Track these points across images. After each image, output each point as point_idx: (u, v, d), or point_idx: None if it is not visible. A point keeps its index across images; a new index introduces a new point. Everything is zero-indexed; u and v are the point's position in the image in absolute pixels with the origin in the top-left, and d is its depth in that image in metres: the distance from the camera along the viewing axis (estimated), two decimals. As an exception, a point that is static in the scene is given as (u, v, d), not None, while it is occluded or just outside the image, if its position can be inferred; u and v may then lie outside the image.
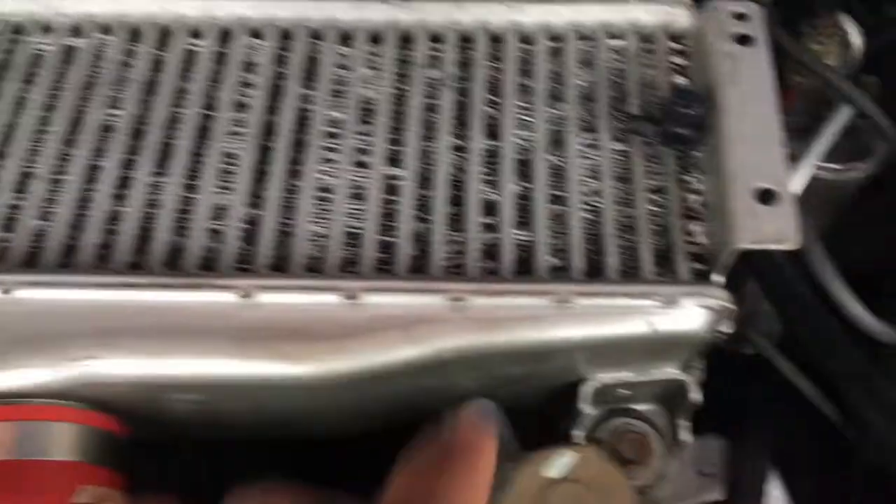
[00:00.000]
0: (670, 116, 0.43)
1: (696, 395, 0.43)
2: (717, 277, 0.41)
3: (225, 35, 0.53)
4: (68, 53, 0.53)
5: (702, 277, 0.42)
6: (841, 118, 0.57)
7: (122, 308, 0.42)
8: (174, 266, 0.44)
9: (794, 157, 0.61)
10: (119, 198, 0.47)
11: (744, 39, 0.45)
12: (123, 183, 0.48)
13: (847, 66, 0.62)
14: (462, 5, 0.51)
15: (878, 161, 0.61)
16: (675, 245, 0.43)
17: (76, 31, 0.54)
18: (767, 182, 0.40)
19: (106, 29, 0.54)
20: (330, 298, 0.41)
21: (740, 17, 0.46)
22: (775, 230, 0.39)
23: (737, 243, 0.39)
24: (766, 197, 0.40)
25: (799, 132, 0.64)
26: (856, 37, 0.61)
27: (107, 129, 0.50)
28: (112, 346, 0.41)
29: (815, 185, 0.62)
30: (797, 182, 0.55)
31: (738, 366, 0.67)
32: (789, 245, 0.38)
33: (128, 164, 0.48)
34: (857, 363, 0.43)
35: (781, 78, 0.63)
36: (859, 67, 0.62)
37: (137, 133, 0.49)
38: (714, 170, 0.43)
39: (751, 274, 0.49)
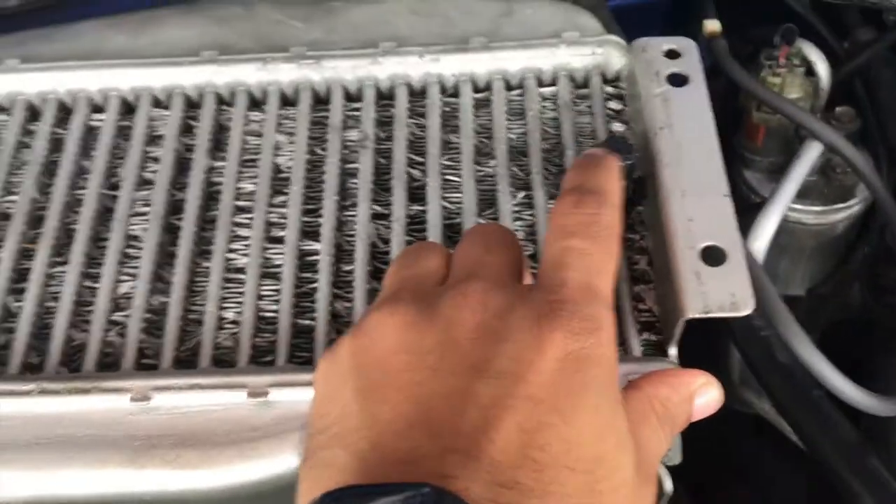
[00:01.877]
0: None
1: (668, 484, 0.39)
2: (673, 351, 0.37)
3: (127, 107, 0.49)
4: (-39, 137, 0.49)
5: (657, 349, 0.38)
6: (809, 155, 0.54)
7: (7, 419, 0.37)
8: (73, 365, 0.40)
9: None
10: (14, 292, 0.43)
11: (677, 79, 0.42)
12: (20, 276, 0.43)
13: (816, 97, 0.59)
14: (377, 60, 0.48)
15: (863, 201, 0.58)
16: (624, 314, 0.39)
17: (-31, 112, 0.50)
18: (714, 239, 0.36)
19: (2, 108, 0.50)
20: (235, 397, 0.36)
21: (672, 54, 0.43)
22: (727, 295, 0.35)
23: (684, 313, 0.35)
24: (713, 257, 0.36)
25: (771, 172, 0.61)
26: (822, 66, 0.58)
27: (3, 216, 0.46)
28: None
29: (797, 231, 0.59)
30: (767, 228, 0.52)
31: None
32: (744, 311, 0.34)
33: (25, 254, 0.44)
34: (845, 438, 0.39)
35: (747, 115, 0.61)
36: (829, 98, 0.59)
37: (36, 220, 0.45)
38: (656, 227, 0.39)
39: (731, 340, 0.45)
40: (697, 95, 0.41)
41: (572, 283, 0.30)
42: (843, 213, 0.57)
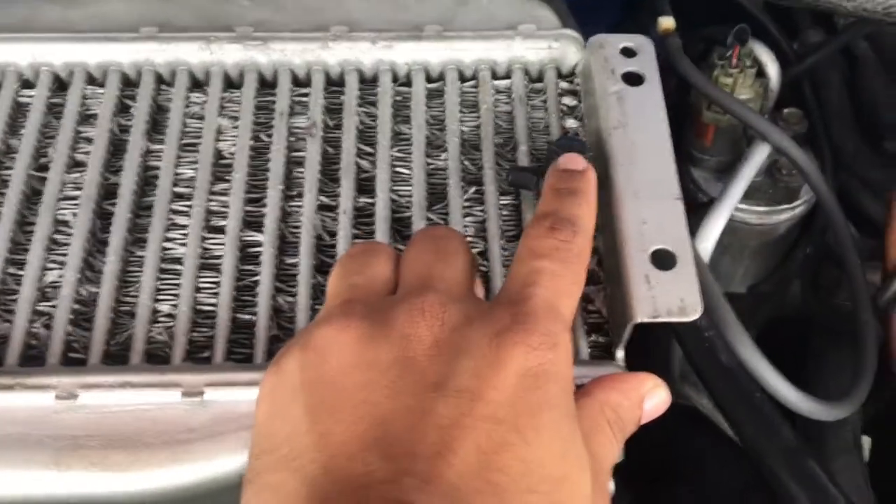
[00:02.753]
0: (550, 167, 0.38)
1: (611, 485, 0.38)
2: (620, 354, 0.36)
3: (59, 83, 0.47)
4: None
5: (604, 351, 0.38)
6: (757, 156, 0.55)
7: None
8: (-8, 358, 0.38)
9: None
10: (-72, 279, 0.40)
11: (632, 78, 0.41)
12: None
13: (765, 98, 0.59)
14: (327, 44, 0.46)
15: (807, 202, 0.58)
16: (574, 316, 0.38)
17: None
18: (665, 243, 0.36)
19: (-78, 79, 0.46)
20: (168, 396, 0.35)
21: (628, 52, 0.42)
22: (676, 300, 0.34)
23: (633, 318, 0.34)
24: (663, 261, 0.35)
25: (719, 172, 0.61)
26: (772, 67, 0.58)
27: (-82, 196, 0.42)
28: None
29: (740, 230, 0.60)
30: (714, 229, 0.52)
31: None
32: (692, 315, 0.34)
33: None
34: (785, 440, 0.39)
35: (697, 113, 0.61)
36: (778, 99, 0.60)
37: (-46, 200, 0.42)
38: (607, 227, 0.38)
39: (675, 338, 0.45)
40: (652, 95, 0.41)
41: (537, 299, 0.29)
42: (787, 213, 0.58)
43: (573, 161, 0.35)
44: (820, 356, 0.53)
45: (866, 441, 0.63)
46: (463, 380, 0.27)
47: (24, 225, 0.42)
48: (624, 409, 0.32)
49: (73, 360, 0.38)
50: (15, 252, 0.41)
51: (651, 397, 0.33)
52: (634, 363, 0.41)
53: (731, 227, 0.60)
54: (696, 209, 0.57)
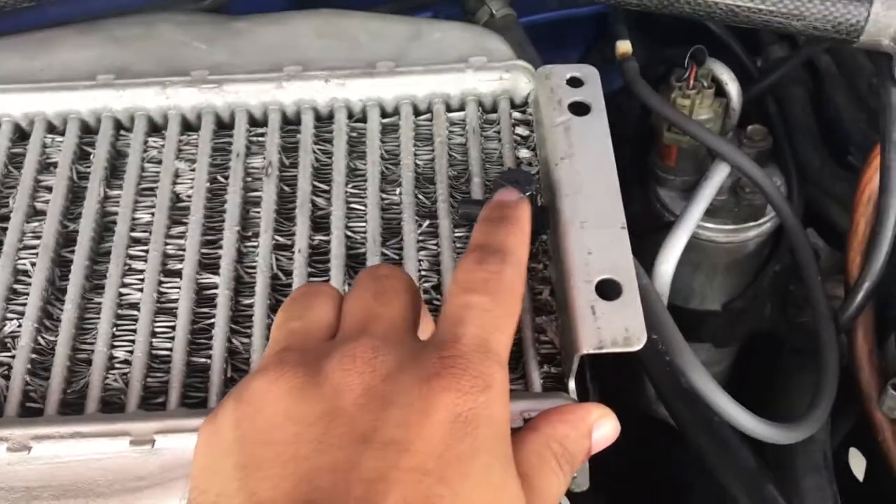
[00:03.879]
0: (499, 200, 0.38)
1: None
2: (572, 384, 0.36)
3: (20, 133, 0.47)
4: None
5: (557, 382, 0.38)
6: (716, 176, 0.55)
7: None
8: (-49, 411, 0.38)
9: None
10: None
11: (579, 108, 0.42)
12: None
13: (727, 116, 0.59)
14: (281, 84, 0.47)
15: (773, 219, 0.58)
16: (525, 345, 0.38)
17: None
18: (610, 273, 0.36)
19: None
20: (117, 445, 0.35)
21: (574, 82, 0.43)
22: (621, 330, 0.34)
23: (578, 348, 0.34)
24: (608, 291, 0.35)
25: (685, 191, 0.62)
26: (732, 86, 0.58)
27: None
28: None
29: (709, 249, 0.60)
30: (674, 251, 0.52)
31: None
32: (637, 346, 0.34)
33: None
34: (744, 465, 0.39)
35: (658, 135, 0.61)
36: (743, 116, 0.60)
37: (-85, 253, 0.43)
38: (556, 259, 0.39)
39: (639, 362, 0.45)
40: (598, 125, 0.41)
41: (467, 338, 0.29)
42: (754, 230, 0.58)
43: (506, 194, 0.35)
44: (787, 375, 0.53)
45: (860, 460, 0.63)
46: (390, 431, 0.26)
47: (-18, 275, 0.42)
48: (571, 441, 0.32)
49: (31, 409, 0.38)
50: (-26, 303, 0.41)
51: (599, 427, 0.33)
52: (610, 381, 0.41)
53: (700, 246, 0.60)
54: (663, 228, 0.57)
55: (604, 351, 0.34)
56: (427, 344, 0.30)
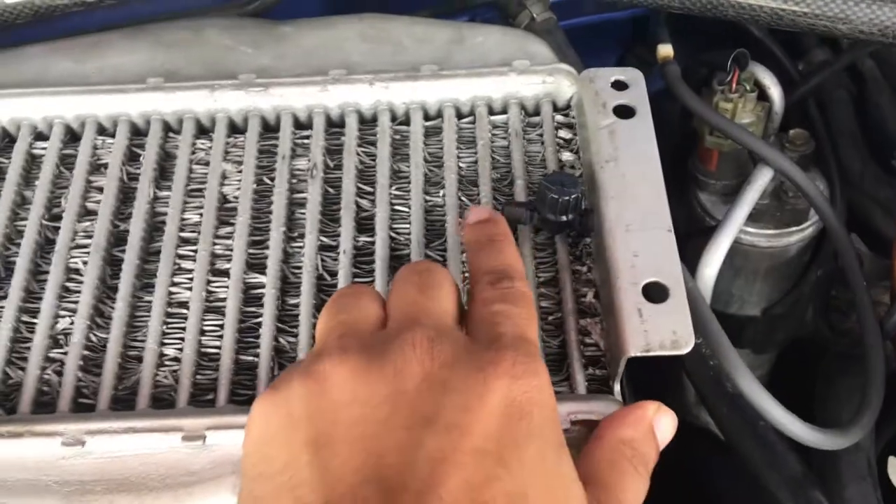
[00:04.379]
0: (542, 203, 0.39)
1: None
2: (617, 387, 0.36)
3: (71, 135, 0.48)
4: None
5: (602, 384, 0.38)
6: (759, 180, 0.54)
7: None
8: (8, 405, 0.39)
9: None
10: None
11: (624, 111, 0.42)
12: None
13: (769, 120, 0.59)
14: (326, 87, 0.47)
15: (816, 223, 0.58)
16: (570, 348, 0.39)
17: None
18: (657, 276, 0.36)
19: (-59, 135, 0.49)
20: (170, 440, 0.36)
21: (619, 85, 0.43)
22: (668, 333, 0.34)
23: (625, 352, 0.34)
24: (655, 294, 0.36)
25: (726, 195, 0.61)
26: (774, 90, 0.58)
27: (-63, 247, 0.44)
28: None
29: (751, 254, 0.59)
30: (717, 255, 0.52)
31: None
32: (685, 349, 0.34)
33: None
34: (789, 470, 0.39)
35: (700, 139, 0.61)
36: (784, 120, 0.60)
37: (-27, 252, 0.44)
38: (602, 262, 0.39)
39: (682, 367, 0.45)
40: (643, 128, 0.41)
41: (508, 335, 0.31)
42: (796, 235, 0.57)
43: (478, 213, 0.38)
44: (830, 381, 0.52)
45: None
46: (451, 414, 0.27)
47: (37, 274, 0.43)
48: (639, 442, 0.32)
49: (83, 405, 0.39)
50: (28, 301, 0.42)
51: (658, 423, 0.33)
52: (645, 387, 0.41)
53: (742, 251, 0.59)
54: (704, 233, 0.57)
55: (651, 354, 0.34)
56: (473, 338, 0.31)
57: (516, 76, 0.47)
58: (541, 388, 0.28)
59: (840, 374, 0.51)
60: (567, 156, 0.45)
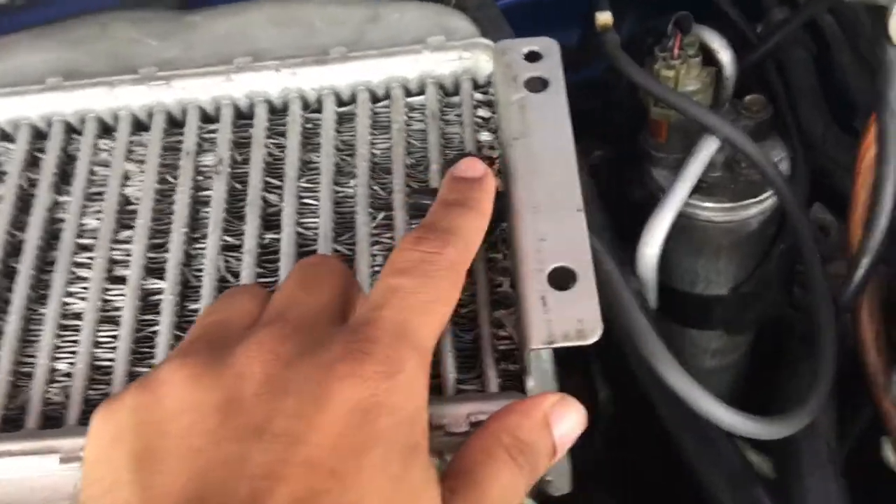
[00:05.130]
0: (448, 188, 0.36)
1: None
2: (530, 383, 0.34)
3: (-29, 142, 0.46)
4: None
5: (517, 381, 0.35)
6: (704, 151, 0.51)
7: None
8: None
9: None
10: None
11: (536, 84, 0.39)
12: None
13: (722, 87, 0.56)
14: (230, 77, 0.44)
15: (775, 196, 0.54)
16: (483, 342, 0.36)
17: None
18: (564, 260, 0.33)
19: None
20: (48, 463, 0.33)
21: (533, 56, 0.40)
22: (573, 322, 0.31)
23: (528, 343, 0.31)
24: (561, 280, 0.32)
25: (679, 169, 0.58)
26: (724, 53, 0.55)
27: None
28: None
29: (709, 230, 0.56)
30: (658, 233, 0.49)
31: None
32: (591, 339, 0.31)
33: None
34: (728, 466, 0.36)
35: (646, 111, 0.57)
36: (741, 86, 0.56)
37: None
38: (510, 248, 0.36)
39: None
40: (556, 101, 0.38)
41: (382, 322, 0.27)
42: (754, 208, 0.54)
43: (470, 167, 0.33)
44: (792, 364, 0.49)
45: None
46: (283, 422, 0.25)
47: (-68, 291, 0.41)
48: (525, 431, 0.29)
49: (-28, 427, 0.37)
50: (-77, 319, 0.40)
51: (558, 416, 0.30)
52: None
53: (699, 227, 0.56)
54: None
55: (555, 346, 0.31)
56: (343, 329, 0.28)
57: (430, 53, 0.44)
58: (393, 391, 0.25)
59: (803, 357, 0.48)
60: (485, 136, 0.42)
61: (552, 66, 0.39)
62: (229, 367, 0.26)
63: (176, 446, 0.25)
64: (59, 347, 0.39)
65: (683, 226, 0.56)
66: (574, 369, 0.65)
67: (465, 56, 0.44)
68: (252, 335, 0.27)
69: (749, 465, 0.36)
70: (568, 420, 0.30)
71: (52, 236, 0.42)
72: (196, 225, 0.42)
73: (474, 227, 0.31)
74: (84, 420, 0.36)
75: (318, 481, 0.24)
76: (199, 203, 0.42)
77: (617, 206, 0.60)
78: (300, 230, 0.41)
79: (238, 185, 0.43)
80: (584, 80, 0.68)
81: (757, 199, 0.53)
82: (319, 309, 0.29)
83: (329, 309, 0.29)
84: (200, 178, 0.43)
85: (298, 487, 0.23)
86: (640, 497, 0.61)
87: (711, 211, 0.54)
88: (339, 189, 0.42)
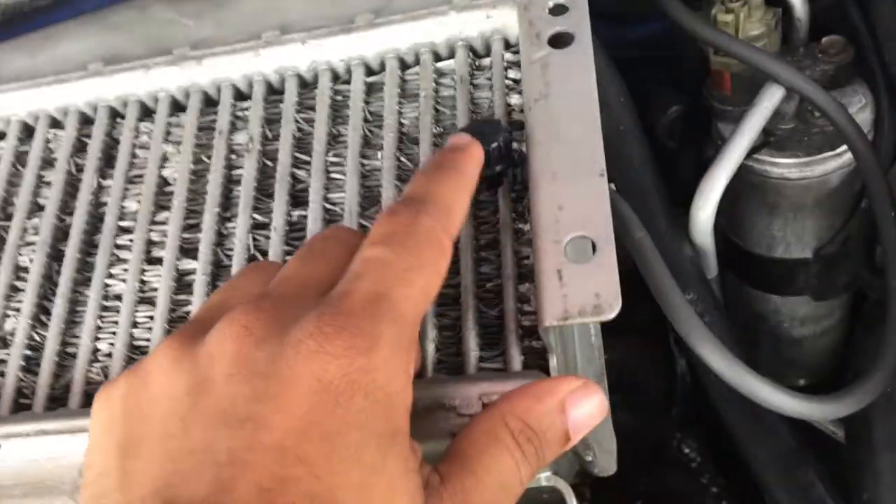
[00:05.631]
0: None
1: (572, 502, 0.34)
2: (553, 361, 0.32)
3: (27, 130, 0.48)
4: None
5: (541, 358, 0.33)
6: (766, 101, 0.47)
7: None
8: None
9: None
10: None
11: (559, 40, 0.36)
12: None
13: (793, 29, 0.51)
14: (259, 52, 0.44)
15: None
16: (507, 318, 0.34)
17: None
18: (582, 230, 0.31)
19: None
20: (82, 443, 0.34)
21: (558, 10, 0.37)
22: (590, 296, 0.29)
23: (541, 321, 0.29)
24: (579, 251, 0.30)
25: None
26: (790, -6, 0.49)
27: None
28: None
29: (785, 188, 0.51)
30: (713, 192, 0.45)
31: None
32: (609, 314, 0.29)
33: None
34: (778, 442, 0.32)
35: (706, 61, 0.53)
36: (817, 27, 0.51)
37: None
38: (530, 217, 0.34)
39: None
40: (580, 58, 0.35)
41: (356, 294, 0.25)
42: (833, 162, 0.49)
43: (455, 139, 0.31)
44: (867, 333, 0.44)
45: None
46: (249, 405, 0.23)
47: (-10, 274, 0.43)
48: (535, 416, 0.27)
49: (23, 405, 0.39)
50: (-20, 302, 0.42)
51: (576, 402, 0.28)
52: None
53: (772, 186, 0.52)
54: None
55: (570, 322, 0.29)
56: (317, 303, 0.26)
57: (456, 14, 0.42)
58: (368, 368, 0.24)
59: (877, 326, 0.43)
60: (516, 99, 0.40)
61: (579, 20, 0.36)
62: (205, 347, 0.25)
63: (154, 432, 0.25)
64: (100, 328, 0.40)
65: (755, 184, 0.52)
66: (653, 338, 0.62)
67: (492, 14, 0.41)
68: (229, 313, 0.26)
69: (801, 444, 0.33)
70: (586, 407, 0.28)
71: (96, 220, 0.44)
72: (228, 204, 0.42)
73: (453, 190, 0.29)
74: (120, 399, 0.37)
75: (285, 467, 0.22)
76: (231, 182, 0.42)
77: (692, 164, 0.56)
78: (327, 206, 0.40)
79: (268, 163, 0.42)
80: (657, 30, 0.63)
81: (835, 151, 0.48)
82: (309, 282, 0.28)
83: (323, 282, 0.28)
84: (233, 156, 0.43)
85: (265, 475, 0.22)
86: (718, 471, 0.57)
87: (784, 167, 0.49)
88: (366, 162, 0.41)
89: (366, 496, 0.23)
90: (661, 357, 0.58)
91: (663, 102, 0.58)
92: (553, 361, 0.32)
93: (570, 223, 0.31)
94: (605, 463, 0.38)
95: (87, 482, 0.26)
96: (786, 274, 0.57)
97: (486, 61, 0.42)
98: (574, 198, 0.32)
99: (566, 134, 0.33)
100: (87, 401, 0.38)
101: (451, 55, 0.43)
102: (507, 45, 0.42)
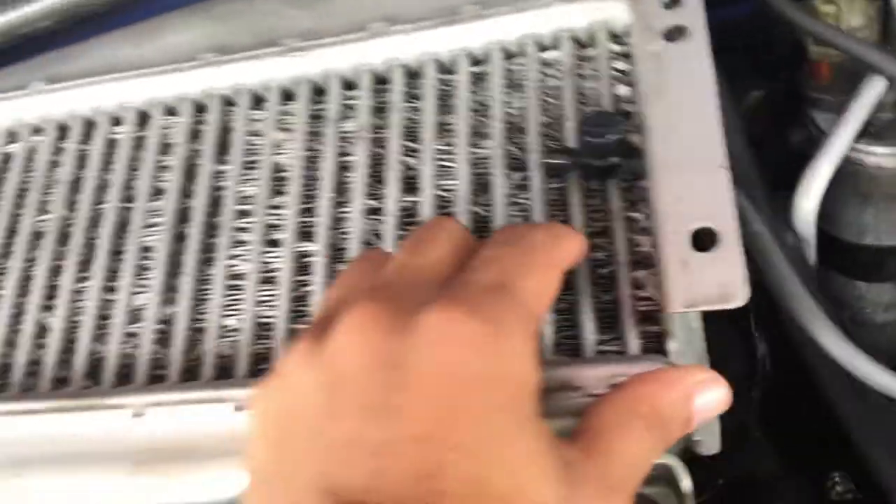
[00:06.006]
0: (583, 147, 0.35)
1: (686, 483, 0.35)
2: (673, 346, 0.33)
3: (142, 118, 0.50)
4: (5, 161, 0.52)
5: (658, 343, 0.34)
6: (869, 92, 0.47)
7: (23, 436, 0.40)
8: (95, 379, 0.42)
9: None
10: (47, 308, 0.45)
11: (674, 33, 0.37)
12: (51, 292, 0.46)
13: (891, 18, 0.51)
14: (368, 44, 0.46)
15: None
16: (622, 303, 0.35)
17: (11, 136, 0.53)
18: (705, 220, 0.32)
19: (37, 130, 0.52)
20: (223, 411, 0.37)
21: (672, 2, 0.38)
22: (715, 286, 0.31)
23: (667, 307, 0.31)
24: (703, 241, 0.32)
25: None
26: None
27: (37, 235, 0.48)
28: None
29: (880, 178, 0.51)
30: (816, 185, 0.46)
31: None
32: (736, 302, 0.30)
33: (55, 271, 0.46)
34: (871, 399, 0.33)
35: (804, 51, 0.53)
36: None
37: (64, 236, 0.47)
38: (651, 207, 0.35)
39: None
40: (697, 51, 0.36)
41: (479, 283, 0.26)
42: (929, 153, 0.49)
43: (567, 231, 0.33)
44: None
45: None
46: (390, 396, 0.24)
47: (116, 254, 0.46)
48: (664, 403, 0.28)
49: (157, 377, 0.41)
50: (110, 280, 0.45)
51: (702, 393, 0.29)
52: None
53: (866, 175, 0.52)
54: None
55: (696, 309, 0.31)
56: (442, 289, 0.27)
57: (562, 6, 0.43)
58: (501, 353, 0.24)
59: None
60: (623, 90, 0.41)
61: (693, 13, 0.37)
62: (333, 343, 0.26)
63: (301, 428, 0.26)
64: (226, 305, 0.42)
65: (849, 172, 0.52)
66: (733, 325, 0.62)
67: (598, 5, 0.43)
68: (352, 307, 0.27)
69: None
70: (712, 397, 0.29)
71: (215, 203, 0.46)
72: (341, 189, 0.44)
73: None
74: (252, 373, 0.40)
75: (437, 454, 0.23)
76: (343, 169, 0.44)
77: (775, 150, 0.57)
78: (439, 192, 0.42)
79: (378, 150, 0.44)
80: (741, 14, 0.63)
81: (935, 144, 0.48)
82: (423, 271, 0.28)
83: (437, 270, 0.29)
84: (344, 144, 0.45)
85: (418, 462, 0.23)
86: (795, 458, 0.59)
87: (881, 157, 0.50)
88: (475, 150, 0.43)
89: (518, 477, 0.24)
90: (741, 341, 0.59)
91: (743, 86, 0.58)
92: (672, 346, 0.34)
93: (692, 214, 0.33)
94: (710, 443, 0.39)
95: (249, 469, 0.27)
96: (875, 261, 0.57)
97: (590, 52, 0.44)
98: (696, 189, 0.33)
99: (685, 126, 0.35)
100: (219, 373, 0.40)
101: (556, 46, 0.44)
102: (612, 37, 0.43)
